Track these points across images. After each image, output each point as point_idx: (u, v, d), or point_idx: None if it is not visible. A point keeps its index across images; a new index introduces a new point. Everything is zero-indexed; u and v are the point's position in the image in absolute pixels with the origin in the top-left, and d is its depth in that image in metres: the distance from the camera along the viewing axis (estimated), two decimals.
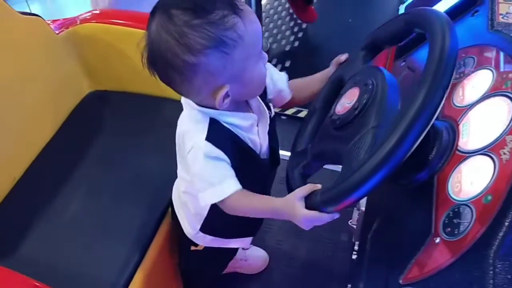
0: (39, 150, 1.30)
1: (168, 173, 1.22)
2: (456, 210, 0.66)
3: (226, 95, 0.80)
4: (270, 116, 0.94)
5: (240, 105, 0.88)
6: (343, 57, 0.93)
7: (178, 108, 1.33)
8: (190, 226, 1.07)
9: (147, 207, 1.16)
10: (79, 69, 1.41)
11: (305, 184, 0.79)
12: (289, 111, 1.85)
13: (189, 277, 1.31)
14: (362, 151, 0.69)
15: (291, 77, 1.01)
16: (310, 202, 0.74)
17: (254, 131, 0.90)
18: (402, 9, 1.13)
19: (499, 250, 0.57)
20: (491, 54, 0.82)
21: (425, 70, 0.63)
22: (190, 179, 0.88)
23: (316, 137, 0.88)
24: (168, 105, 1.40)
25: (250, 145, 0.90)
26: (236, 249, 1.22)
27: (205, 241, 1.08)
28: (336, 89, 0.89)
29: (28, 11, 2.55)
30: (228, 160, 0.83)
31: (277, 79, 0.98)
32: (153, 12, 0.77)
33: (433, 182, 0.74)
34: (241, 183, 0.84)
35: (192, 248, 1.11)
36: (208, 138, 0.82)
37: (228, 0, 0.74)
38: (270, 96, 0.97)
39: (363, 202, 0.94)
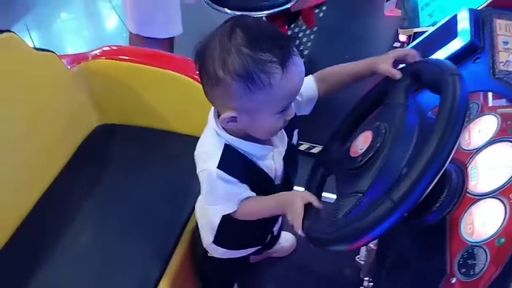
0: (47, 184, 1.31)
1: (176, 205, 1.25)
2: (470, 251, 0.69)
3: (233, 119, 0.85)
4: (290, 143, 0.99)
5: None
6: (398, 75, 0.87)
7: (184, 142, 1.38)
8: (205, 237, 1.12)
9: (156, 241, 1.18)
10: (88, 103, 1.44)
11: (322, 185, 0.92)
12: (302, 147, 1.87)
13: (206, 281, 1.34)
14: (343, 212, 0.75)
15: None
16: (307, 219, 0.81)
17: (268, 157, 0.95)
18: None
19: None
20: (494, 100, 0.87)
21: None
22: (202, 194, 0.96)
23: (338, 153, 0.92)
24: (175, 138, 1.44)
25: (266, 170, 0.95)
26: (248, 259, 1.25)
27: (217, 252, 1.13)
28: (373, 104, 0.94)
29: (28, 35, 2.61)
30: (240, 182, 0.90)
31: (303, 100, 0.99)
32: (230, 19, 0.84)
33: (445, 223, 0.77)
34: None
35: (209, 254, 1.15)
36: (220, 166, 0.88)
37: (284, 53, 0.79)
38: (301, 113, 1.00)
39: None
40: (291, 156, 1.01)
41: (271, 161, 0.96)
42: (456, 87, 0.73)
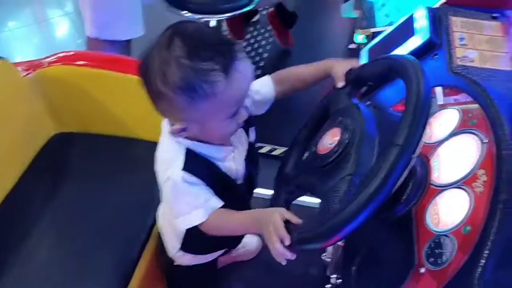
0: (3, 197, 1.26)
1: (139, 214, 1.23)
2: (437, 240, 0.71)
3: (183, 129, 0.85)
4: (249, 142, 0.99)
5: None
6: (341, 83, 0.93)
7: (146, 148, 1.34)
8: (171, 245, 1.09)
9: (120, 251, 1.15)
10: (44, 111, 1.40)
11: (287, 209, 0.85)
12: (264, 149, 1.88)
13: None
14: (337, 199, 0.74)
15: None
16: (293, 231, 0.76)
17: (229, 158, 0.95)
18: (364, 53, 1.20)
19: (483, 276, 0.62)
20: (454, 94, 0.90)
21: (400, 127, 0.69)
22: (168, 205, 0.93)
23: (300, 166, 0.92)
24: (137, 145, 1.41)
25: (227, 172, 0.95)
26: (215, 263, 1.24)
27: (184, 259, 1.11)
28: (321, 119, 0.95)
29: None
30: (205, 185, 0.88)
31: (260, 99, 1.00)
32: (170, 27, 0.81)
33: (411, 214, 0.79)
34: None
35: (175, 263, 1.13)
36: (185, 168, 0.86)
37: (226, 60, 0.77)
38: (257, 113, 1.00)
39: None
40: (251, 155, 1.01)
41: (232, 162, 0.95)
42: (413, 61, 0.78)
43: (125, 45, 1.68)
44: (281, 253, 0.75)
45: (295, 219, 0.77)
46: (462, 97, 0.90)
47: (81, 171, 1.35)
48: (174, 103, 0.80)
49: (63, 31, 2.85)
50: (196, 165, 0.88)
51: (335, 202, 0.73)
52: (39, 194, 1.28)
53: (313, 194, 0.84)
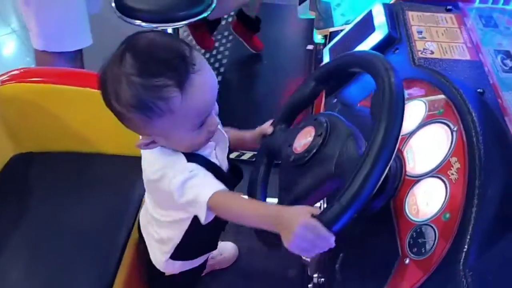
0: None
1: (110, 227, 1.20)
2: (419, 230, 0.72)
3: (152, 142, 0.84)
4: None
5: None
6: (269, 130, 0.94)
7: (107, 162, 1.33)
8: (159, 254, 1.06)
9: (96, 266, 1.12)
10: (1, 132, 1.34)
11: None
12: (232, 155, 1.86)
13: None
14: (354, 154, 0.73)
15: None
16: (321, 216, 0.69)
17: (212, 155, 0.93)
18: (326, 52, 1.21)
19: (467, 262, 0.63)
20: (418, 86, 0.92)
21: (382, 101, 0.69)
22: (181, 203, 0.84)
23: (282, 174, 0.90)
24: (101, 160, 1.37)
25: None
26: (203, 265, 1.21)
27: (174, 267, 1.08)
28: (271, 159, 0.94)
29: None
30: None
31: None
32: (124, 42, 0.78)
33: (390, 207, 0.79)
34: None
35: (166, 273, 1.10)
36: (189, 160, 0.85)
37: (180, 74, 0.75)
38: None
39: None
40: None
41: (215, 159, 0.94)
42: (375, 53, 0.79)
43: (74, 56, 1.62)
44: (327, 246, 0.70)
45: (317, 211, 0.70)
46: (418, 90, 0.92)
47: (45, 192, 1.29)
48: (132, 122, 0.79)
49: (11, 49, 2.76)
50: (194, 158, 0.87)
51: (354, 158, 0.71)
52: (4, 218, 1.22)
53: (320, 196, 0.82)
